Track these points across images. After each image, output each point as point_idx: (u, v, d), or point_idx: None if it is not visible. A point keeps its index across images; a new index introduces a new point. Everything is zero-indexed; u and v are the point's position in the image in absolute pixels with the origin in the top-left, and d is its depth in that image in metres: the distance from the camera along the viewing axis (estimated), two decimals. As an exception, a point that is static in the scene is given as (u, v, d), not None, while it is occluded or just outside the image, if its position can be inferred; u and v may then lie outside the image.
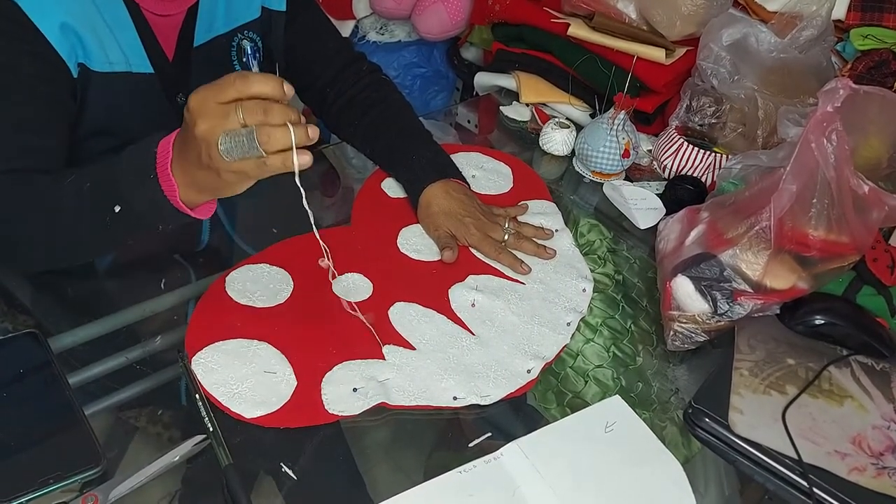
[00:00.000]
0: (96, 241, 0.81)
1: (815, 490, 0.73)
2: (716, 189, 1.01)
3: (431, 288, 0.91)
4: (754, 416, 0.78)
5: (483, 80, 1.41)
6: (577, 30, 1.24)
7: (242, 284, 0.87)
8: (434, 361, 0.82)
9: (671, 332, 0.88)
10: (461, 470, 0.71)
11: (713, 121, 1.17)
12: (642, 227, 1.08)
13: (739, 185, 0.96)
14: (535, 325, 0.88)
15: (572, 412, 0.80)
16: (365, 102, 1.11)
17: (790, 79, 1.15)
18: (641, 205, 1.11)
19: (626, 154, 1.13)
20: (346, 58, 1.14)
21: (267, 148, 0.66)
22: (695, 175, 1.14)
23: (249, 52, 1.04)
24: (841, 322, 0.88)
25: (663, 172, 1.18)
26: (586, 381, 0.85)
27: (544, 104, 1.32)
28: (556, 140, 1.21)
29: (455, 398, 0.79)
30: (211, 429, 0.71)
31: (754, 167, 0.94)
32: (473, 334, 0.86)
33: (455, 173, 1.02)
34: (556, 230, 1.04)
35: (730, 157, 1.11)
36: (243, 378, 0.76)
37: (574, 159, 1.21)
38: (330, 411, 0.75)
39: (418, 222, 1.01)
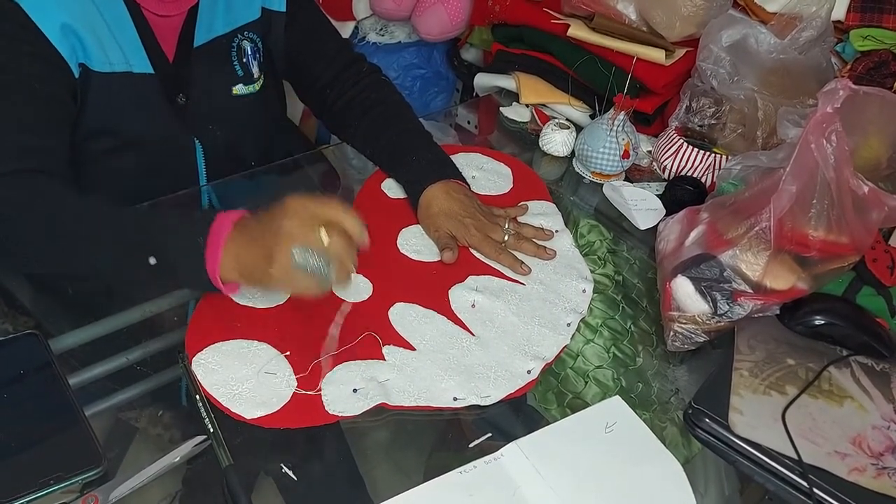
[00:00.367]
0: (105, 268, 0.81)
1: (815, 490, 0.73)
2: (716, 190, 1.01)
3: (431, 289, 0.91)
4: (754, 416, 0.78)
5: (483, 80, 1.41)
6: (577, 31, 1.24)
7: (242, 285, 0.87)
8: (434, 362, 0.82)
9: (671, 333, 0.88)
10: (461, 470, 0.71)
11: (713, 122, 1.17)
12: (642, 228, 1.08)
13: (739, 185, 0.96)
14: (535, 326, 0.89)
15: (572, 413, 0.80)
16: (365, 103, 1.11)
17: (790, 80, 1.15)
18: (641, 205, 1.11)
19: (625, 155, 1.13)
20: (346, 59, 1.14)
21: (331, 280, 0.73)
22: (694, 176, 1.14)
23: (249, 52, 1.04)
24: (841, 322, 0.88)
25: (663, 173, 1.18)
26: (586, 382, 0.85)
27: (544, 105, 1.32)
28: (555, 141, 1.21)
29: (455, 399, 0.79)
30: (211, 429, 0.71)
31: (754, 168, 0.95)
32: (473, 335, 0.86)
33: (455, 174, 1.02)
34: (556, 231, 1.04)
35: (729, 157, 1.11)
36: (243, 379, 0.76)
37: (574, 160, 1.21)
38: (330, 412, 0.75)
39: (418, 223, 1.01)
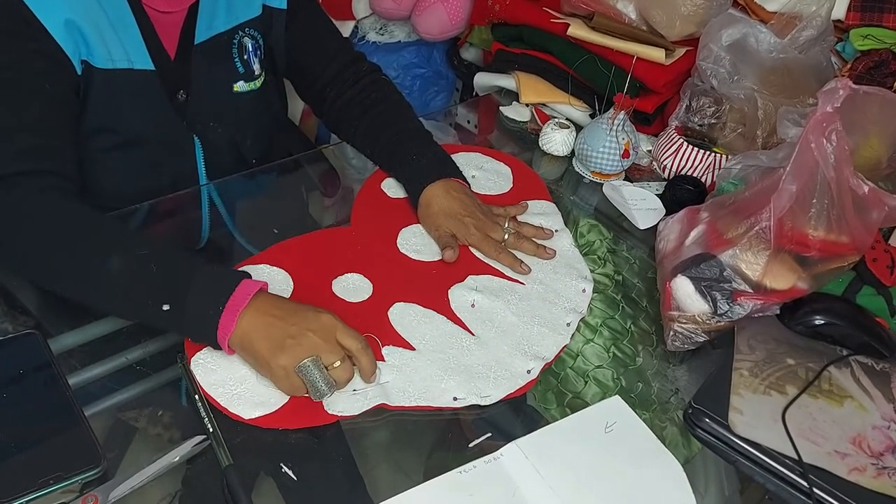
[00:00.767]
0: (112, 304, 0.79)
1: (815, 490, 0.73)
2: (715, 189, 1.01)
3: (431, 288, 0.91)
4: (754, 416, 0.78)
5: (483, 80, 1.41)
6: (577, 30, 1.24)
7: (242, 285, 0.87)
8: (434, 362, 0.82)
9: (671, 333, 0.88)
10: (461, 470, 0.71)
11: (713, 121, 1.17)
12: (642, 228, 1.08)
13: (739, 185, 0.96)
14: (534, 326, 0.88)
15: (572, 412, 0.80)
16: (364, 102, 1.11)
17: (790, 79, 1.15)
18: (641, 205, 1.11)
19: (625, 154, 1.13)
20: (347, 58, 1.14)
21: (325, 396, 0.74)
22: (694, 175, 1.14)
23: (251, 49, 1.04)
24: (841, 322, 0.88)
25: (663, 173, 1.18)
26: (586, 382, 0.85)
27: (544, 104, 1.32)
28: (555, 140, 1.21)
29: (455, 399, 0.79)
30: (211, 429, 0.71)
31: (754, 167, 0.94)
32: (473, 335, 0.86)
33: (455, 173, 1.02)
34: (556, 230, 1.04)
35: (729, 157, 1.11)
36: (242, 379, 0.76)
37: (574, 160, 1.21)
38: (329, 412, 0.75)
39: (418, 222, 1.01)
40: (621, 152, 1.13)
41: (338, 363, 0.74)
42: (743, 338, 0.86)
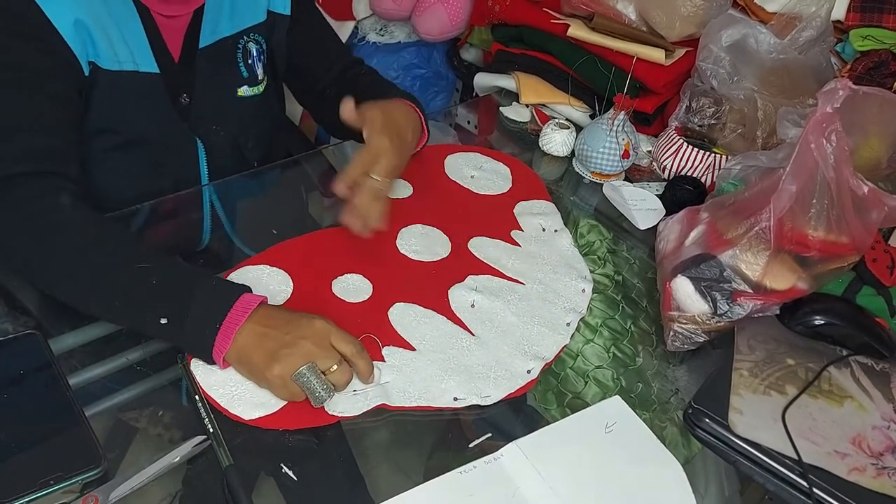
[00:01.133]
0: (108, 312, 0.78)
1: (814, 490, 0.73)
2: (715, 190, 1.01)
3: (431, 289, 0.91)
4: (754, 416, 0.78)
5: (483, 80, 1.41)
6: (577, 30, 1.24)
7: (242, 285, 0.87)
8: (434, 362, 0.82)
9: (671, 333, 0.88)
10: (461, 470, 0.71)
11: (713, 121, 1.17)
12: (642, 228, 1.08)
13: (739, 185, 0.96)
14: (534, 326, 0.89)
15: (572, 413, 0.80)
16: (361, 95, 1.11)
17: (790, 80, 1.15)
18: (641, 205, 1.11)
19: (625, 155, 1.13)
20: (347, 62, 1.16)
21: (325, 401, 0.74)
22: (694, 176, 1.14)
23: (255, 54, 1.04)
24: (841, 322, 0.88)
25: (663, 173, 1.18)
26: (586, 382, 0.85)
27: (544, 105, 1.32)
28: (555, 141, 1.21)
29: (455, 399, 0.79)
30: (211, 430, 0.71)
31: (754, 168, 0.95)
32: (473, 335, 0.86)
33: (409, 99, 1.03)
34: (556, 230, 1.04)
35: (729, 157, 1.11)
36: (242, 380, 0.76)
37: (574, 160, 1.21)
38: (330, 413, 0.75)
39: (418, 222, 1.01)
40: (621, 153, 1.13)
41: (334, 367, 0.74)
42: (743, 338, 0.86)
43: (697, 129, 1.18)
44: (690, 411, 0.80)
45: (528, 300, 0.92)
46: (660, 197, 1.13)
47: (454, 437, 0.79)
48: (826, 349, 0.87)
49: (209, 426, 0.71)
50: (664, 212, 1.10)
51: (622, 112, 1.11)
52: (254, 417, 0.73)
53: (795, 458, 0.75)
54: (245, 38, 1.03)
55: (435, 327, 0.86)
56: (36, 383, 0.73)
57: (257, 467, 0.72)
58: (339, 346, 0.75)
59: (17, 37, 0.83)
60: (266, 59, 1.07)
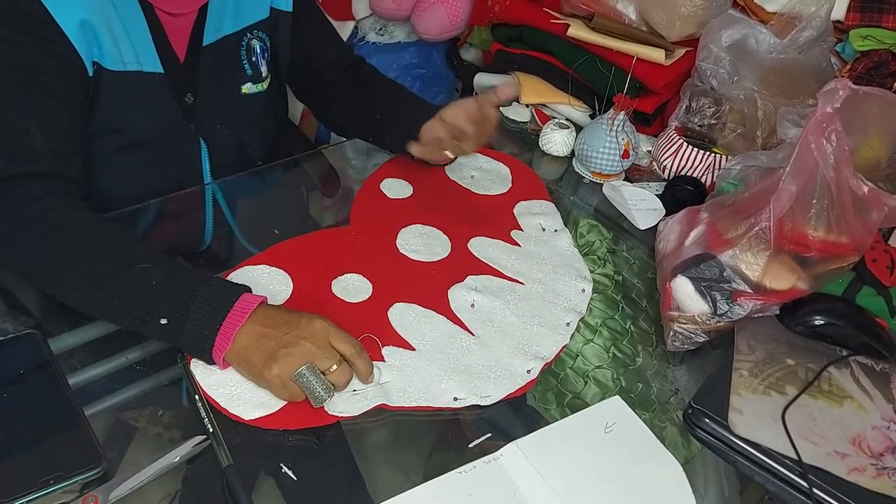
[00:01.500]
0: (108, 312, 0.78)
1: (814, 490, 0.73)
2: (715, 190, 1.01)
3: (431, 288, 0.91)
4: (754, 416, 0.78)
5: (483, 80, 1.41)
6: (577, 30, 1.24)
7: (242, 285, 0.87)
8: (434, 362, 0.82)
9: (671, 333, 0.88)
10: (461, 470, 0.71)
11: (713, 121, 1.17)
12: (642, 228, 1.08)
13: (739, 185, 0.96)
14: (534, 326, 0.89)
15: (572, 413, 0.80)
16: (364, 92, 1.12)
17: (790, 79, 1.15)
18: (641, 205, 1.11)
19: (625, 155, 1.13)
20: (348, 60, 1.16)
21: (325, 401, 0.74)
22: (694, 176, 1.14)
23: (259, 51, 1.05)
24: (841, 322, 0.88)
25: (663, 173, 1.18)
26: (586, 382, 0.85)
27: (544, 105, 1.32)
28: (555, 141, 1.21)
29: (455, 399, 0.79)
30: (211, 430, 0.71)
31: (754, 168, 0.95)
32: (473, 335, 0.86)
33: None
34: (556, 230, 1.04)
35: (729, 157, 1.11)
36: (242, 379, 0.76)
37: (574, 160, 1.21)
38: (330, 413, 0.75)
39: (418, 222, 1.01)
40: (621, 153, 1.13)
41: (334, 367, 0.74)
42: (743, 338, 0.86)
43: (697, 129, 1.18)
44: (690, 411, 0.80)
45: (528, 300, 0.92)
46: (660, 197, 1.13)
47: (454, 437, 0.79)
48: (826, 349, 0.87)
49: (209, 426, 0.71)
50: (664, 212, 1.10)
51: (622, 112, 1.11)
52: (253, 417, 0.73)
53: (795, 458, 0.75)
54: (248, 35, 1.03)
55: (435, 327, 0.86)
56: (36, 383, 0.73)
57: (257, 467, 0.72)
58: (339, 347, 0.75)
59: (22, 37, 0.83)
60: (270, 56, 1.07)
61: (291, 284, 0.88)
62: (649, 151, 1.22)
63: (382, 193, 1.07)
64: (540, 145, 1.23)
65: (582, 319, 0.92)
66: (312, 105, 1.22)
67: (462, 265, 0.96)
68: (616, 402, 0.81)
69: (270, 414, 0.74)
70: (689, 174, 1.15)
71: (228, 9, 0.99)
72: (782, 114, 0.98)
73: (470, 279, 0.93)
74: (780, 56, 1.15)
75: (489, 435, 0.76)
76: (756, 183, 0.90)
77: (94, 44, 0.87)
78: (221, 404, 0.74)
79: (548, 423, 0.78)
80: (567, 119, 1.28)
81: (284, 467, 0.71)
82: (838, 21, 1.20)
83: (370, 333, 0.83)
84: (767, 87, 1.15)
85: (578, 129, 1.23)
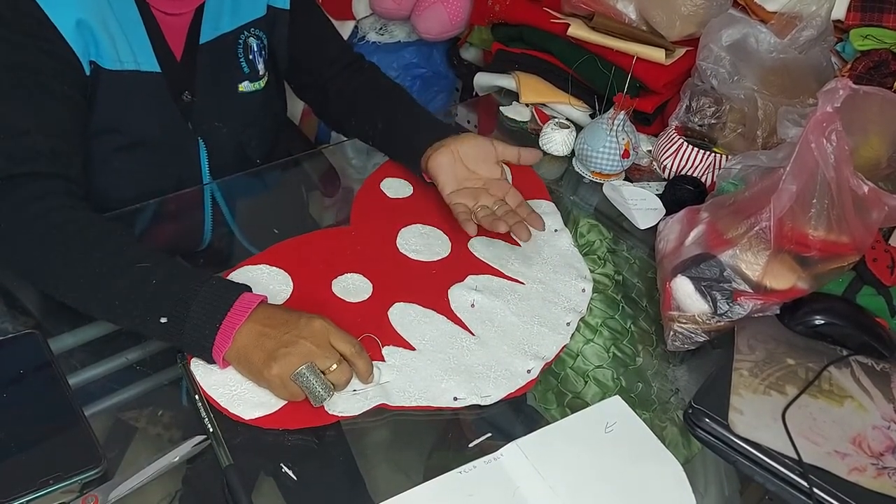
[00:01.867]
0: (107, 311, 0.77)
1: (815, 490, 0.73)
2: (716, 189, 1.01)
3: (431, 288, 0.91)
4: (754, 416, 0.78)
5: (483, 80, 1.41)
6: (577, 30, 1.24)
7: (242, 285, 0.87)
8: (434, 362, 0.82)
9: (671, 333, 0.88)
10: (461, 470, 0.71)
11: (713, 121, 1.17)
12: (642, 228, 1.08)
13: (739, 185, 0.96)
14: (534, 326, 0.88)
15: (572, 412, 0.80)
16: (366, 91, 1.12)
17: (790, 79, 1.15)
18: (641, 205, 1.11)
19: (625, 154, 1.13)
20: (348, 57, 1.16)
21: (324, 401, 0.74)
22: (694, 175, 1.14)
23: (256, 49, 1.05)
24: (841, 322, 0.88)
25: (663, 173, 1.18)
26: (586, 382, 0.85)
27: (544, 104, 1.32)
28: (555, 140, 1.21)
29: (455, 399, 0.79)
30: (211, 429, 0.71)
31: (754, 167, 0.95)
32: (473, 334, 0.86)
33: (454, 131, 1.03)
34: (556, 230, 1.04)
35: (729, 157, 1.11)
36: (242, 379, 0.76)
37: (574, 160, 1.21)
38: (330, 412, 0.75)
39: (418, 222, 1.01)
40: (621, 152, 1.13)
41: (334, 367, 0.74)
42: (743, 338, 0.86)
43: (697, 128, 1.18)
44: (690, 411, 0.80)
45: (528, 300, 0.92)
46: (660, 197, 1.13)
47: (454, 436, 0.79)
48: (826, 349, 0.87)
49: (209, 426, 0.71)
50: (664, 211, 1.10)
51: (622, 112, 1.11)
52: (254, 417, 0.73)
53: (795, 457, 0.75)
54: (245, 33, 1.03)
55: (435, 327, 0.86)
56: (35, 383, 0.73)
57: (257, 467, 0.72)
58: (339, 346, 0.75)
59: (21, 37, 0.83)
60: (267, 54, 1.07)
61: (291, 284, 0.88)
62: (649, 151, 1.22)
63: (382, 193, 1.07)
64: (540, 145, 1.23)
65: (582, 319, 0.92)
66: (312, 103, 1.22)
67: (462, 265, 0.95)
68: (616, 401, 0.81)
69: (270, 414, 0.74)
70: (689, 174, 1.15)
71: (225, 7, 0.99)
72: (782, 113, 0.98)
73: (470, 279, 0.93)
74: (781, 56, 1.15)
75: (489, 435, 0.76)
76: (756, 183, 0.90)
77: (90, 43, 0.87)
78: (221, 404, 0.74)
79: (548, 423, 0.78)
80: (567, 119, 1.28)
81: (284, 467, 0.71)
82: (838, 20, 1.20)
83: (370, 333, 0.83)
84: (767, 86, 1.15)
85: (578, 128, 1.23)
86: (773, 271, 0.85)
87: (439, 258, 0.96)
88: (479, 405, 0.79)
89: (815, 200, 0.82)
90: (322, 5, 1.18)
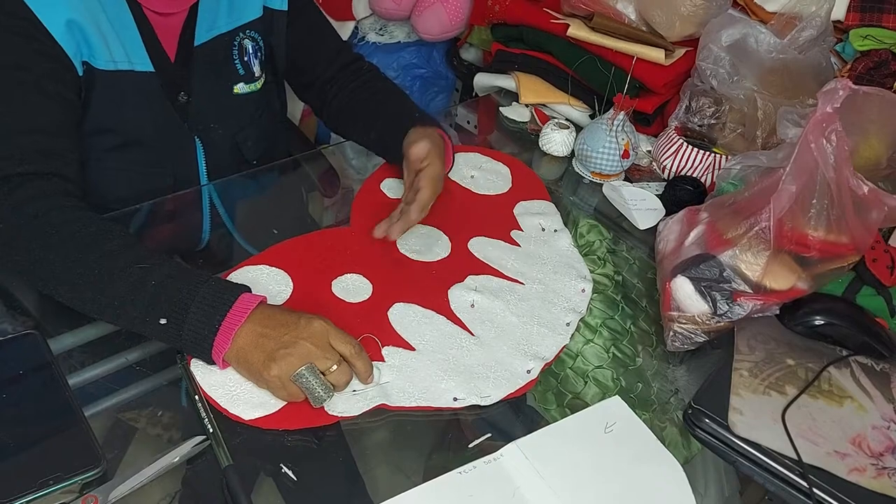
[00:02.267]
0: (107, 312, 0.77)
1: (814, 490, 0.73)
2: (715, 189, 1.01)
3: (431, 289, 0.91)
4: (754, 416, 0.78)
5: (482, 80, 1.41)
6: (577, 30, 1.24)
7: (242, 285, 0.87)
8: (434, 362, 0.82)
9: (671, 333, 0.88)
10: (461, 470, 0.71)
11: (713, 121, 1.17)
12: (642, 228, 1.08)
13: (739, 185, 0.96)
14: (534, 326, 0.88)
15: (572, 413, 0.80)
16: (366, 93, 1.12)
17: (789, 79, 1.15)
18: (641, 205, 1.11)
19: (625, 155, 1.13)
20: (347, 57, 1.16)
21: (324, 402, 0.74)
22: (694, 175, 1.14)
23: (251, 51, 1.04)
24: (841, 322, 0.88)
25: (663, 173, 1.18)
26: (586, 382, 0.85)
27: (544, 105, 1.32)
28: (555, 141, 1.21)
29: (455, 399, 0.79)
30: (211, 430, 0.71)
31: (754, 168, 0.94)
32: (473, 335, 0.86)
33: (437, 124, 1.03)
34: (556, 230, 1.04)
35: (729, 157, 1.11)
36: (242, 379, 0.76)
37: (574, 160, 1.21)
38: (329, 413, 0.75)
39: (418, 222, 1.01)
40: (621, 153, 1.13)
41: (333, 367, 0.74)
42: (743, 338, 0.86)
43: (697, 128, 1.18)
44: (690, 411, 0.80)
45: (527, 300, 0.92)
46: (660, 197, 1.13)
47: (454, 437, 0.79)
48: (826, 349, 0.87)
49: (209, 426, 0.71)
50: (664, 212, 1.10)
51: (622, 112, 1.11)
52: (253, 417, 0.73)
53: (795, 458, 0.74)
54: (241, 34, 1.03)
55: (435, 327, 0.86)
56: (35, 383, 0.73)
57: (257, 467, 0.72)
58: (339, 347, 0.75)
59: (14, 38, 0.83)
60: (264, 55, 1.07)
61: (291, 284, 0.88)
62: (649, 151, 1.22)
63: (382, 193, 1.07)
64: (540, 145, 1.23)
65: (582, 319, 0.92)
66: (312, 102, 1.22)
67: (462, 265, 0.95)
68: (616, 402, 0.81)
69: (270, 414, 0.74)
70: (689, 174, 1.15)
71: (222, 8, 0.99)
72: (782, 114, 0.98)
73: (470, 279, 0.93)
74: (780, 56, 1.15)
75: (489, 435, 0.76)
76: (756, 183, 0.90)
77: (82, 43, 0.87)
78: (221, 404, 0.74)
79: (548, 423, 0.78)
80: (567, 119, 1.28)
81: (284, 467, 0.71)
82: (838, 21, 1.20)
83: (370, 333, 0.83)
84: (767, 87, 1.15)
85: (578, 129, 1.23)
86: (773, 271, 0.85)
87: (439, 258, 0.96)
88: (478, 405, 0.79)
89: (814, 201, 0.82)
90: (322, 6, 1.18)
